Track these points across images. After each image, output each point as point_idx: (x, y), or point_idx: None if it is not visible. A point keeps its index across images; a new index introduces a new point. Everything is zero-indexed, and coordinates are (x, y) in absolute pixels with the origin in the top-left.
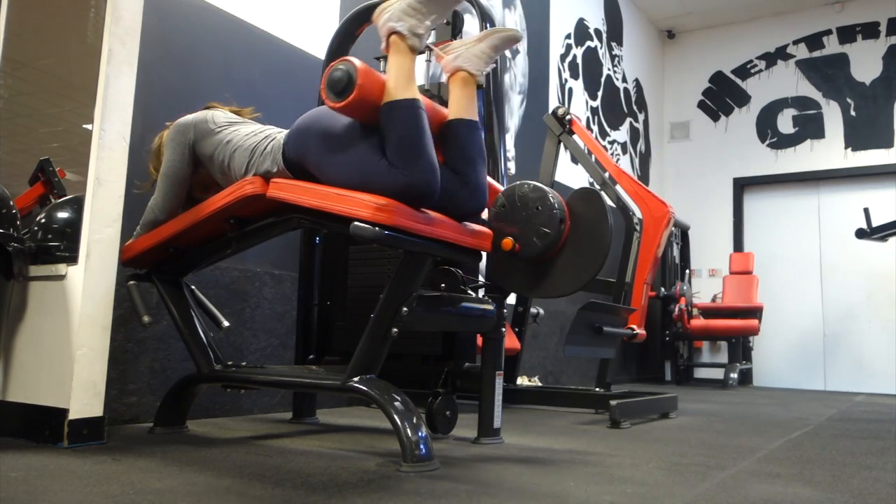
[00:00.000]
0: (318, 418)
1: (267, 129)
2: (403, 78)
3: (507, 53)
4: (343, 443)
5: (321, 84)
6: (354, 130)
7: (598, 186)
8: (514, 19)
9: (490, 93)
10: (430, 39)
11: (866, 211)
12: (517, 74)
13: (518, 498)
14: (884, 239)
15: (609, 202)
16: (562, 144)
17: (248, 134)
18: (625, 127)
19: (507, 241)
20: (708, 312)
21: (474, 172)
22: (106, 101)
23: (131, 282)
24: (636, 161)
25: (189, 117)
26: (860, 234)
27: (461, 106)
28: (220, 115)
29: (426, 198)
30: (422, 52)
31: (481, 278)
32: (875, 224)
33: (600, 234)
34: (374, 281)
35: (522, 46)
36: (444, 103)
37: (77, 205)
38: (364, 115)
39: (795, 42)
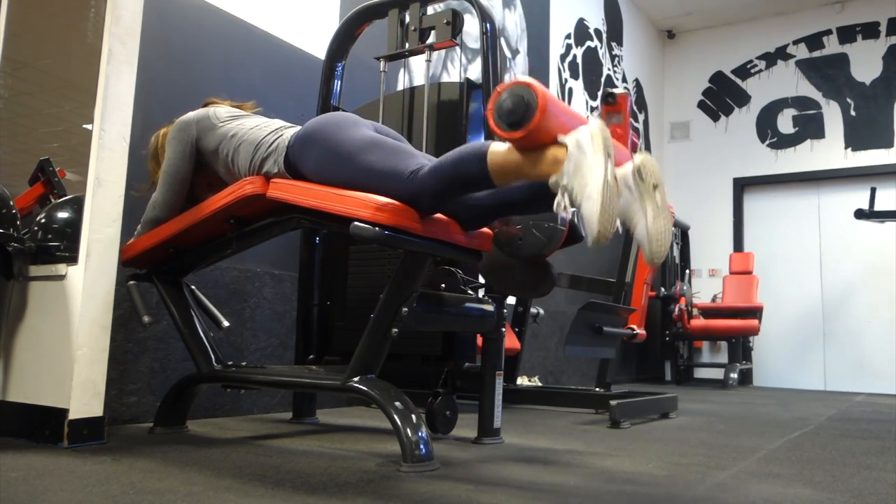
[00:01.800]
0: (318, 418)
1: (274, 122)
2: (515, 173)
3: (507, 53)
4: (343, 443)
5: (488, 107)
6: (365, 141)
7: None
8: (514, 19)
9: (490, 93)
10: (431, 39)
11: (873, 190)
12: (517, 74)
13: (518, 498)
14: (881, 221)
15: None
16: None
17: (253, 127)
18: None
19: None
20: (708, 312)
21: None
22: (106, 101)
23: (131, 282)
24: None
25: (191, 114)
26: (859, 214)
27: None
28: (222, 110)
29: (428, 214)
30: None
31: (481, 278)
32: (877, 209)
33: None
34: (374, 281)
35: (522, 46)
36: (442, 105)
37: (77, 205)
38: (531, 144)
39: (795, 42)
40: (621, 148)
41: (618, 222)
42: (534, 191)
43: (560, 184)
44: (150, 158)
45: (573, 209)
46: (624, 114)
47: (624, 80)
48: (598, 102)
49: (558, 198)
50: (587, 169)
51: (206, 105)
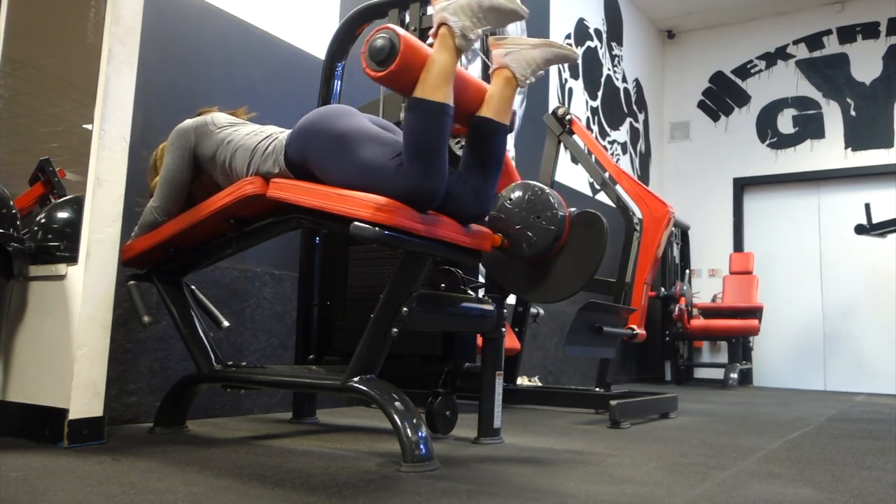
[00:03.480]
0: (318, 418)
1: (267, 128)
2: (441, 76)
3: None
4: (343, 443)
5: (362, 50)
6: (359, 131)
7: (598, 186)
8: None
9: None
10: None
11: (867, 206)
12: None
13: (518, 498)
14: (883, 235)
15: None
16: (562, 144)
17: (248, 133)
18: (625, 127)
19: (497, 238)
20: (708, 312)
21: (484, 179)
22: (106, 101)
23: (131, 282)
24: (636, 161)
25: (189, 122)
26: (860, 229)
27: (497, 106)
28: (220, 116)
29: (429, 204)
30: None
31: (481, 278)
32: (875, 221)
33: (591, 258)
34: (374, 281)
35: None
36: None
37: (77, 205)
38: (402, 87)
39: (795, 42)
40: None
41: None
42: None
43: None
44: (149, 171)
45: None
46: None
47: (624, 79)
48: (598, 103)
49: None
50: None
51: (199, 115)
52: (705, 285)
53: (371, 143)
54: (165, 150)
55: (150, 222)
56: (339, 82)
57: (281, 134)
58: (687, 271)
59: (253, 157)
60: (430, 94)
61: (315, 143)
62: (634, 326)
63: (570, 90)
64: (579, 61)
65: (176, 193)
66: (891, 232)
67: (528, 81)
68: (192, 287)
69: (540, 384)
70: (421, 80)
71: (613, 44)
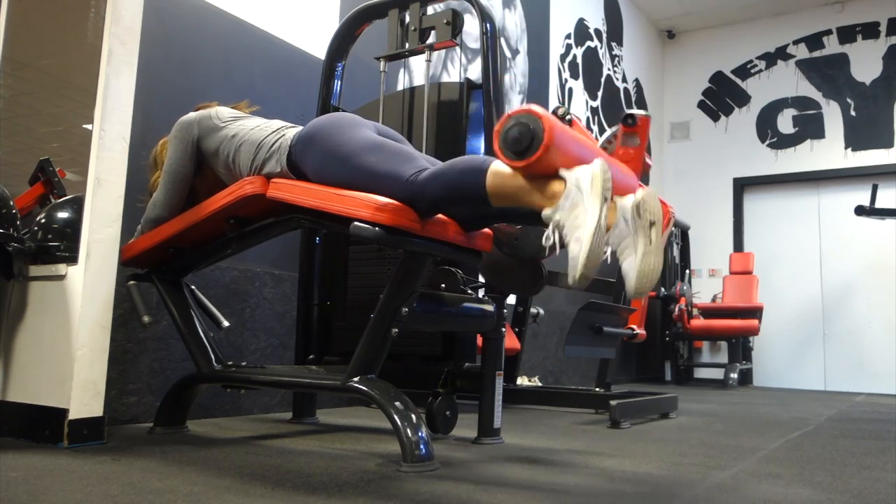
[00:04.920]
0: (318, 418)
1: (273, 123)
2: (513, 195)
3: (507, 53)
4: (343, 443)
5: (495, 130)
6: (366, 143)
7: None
8: (514, 19)
9: (490, 93)
10: (431, 39)
11: (874, 186)
12: (517, 74)
13: (518, 498)
14: (882, 218)
15: None
16: None
17: (253, 128)
18: None
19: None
20: (708, 312)
21: None
22: (106, 101)
23: (131, 282)
24: None
25: (192, 114)
26: (860, 210)
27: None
28: (224, 110)
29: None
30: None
31: (481, 278)
32: (878, 206)
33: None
34: (374, 281)
35: (522, 46)
36: (442, 105)
37: (77, 205)
38: (534, 173)
39: (795, 42)
40: (630, 175)
41: (608, 252)
42: (531, 212)
43: (553, 218)
44: (150, 168)
45: (560, 247)
46: (642, 136)
47: (624, 79)
48: (598, 103)
49: (548, 231)
50: (581, 210)
51: (197, 110)
52: (705, 285)
53: (378, 152)
54: (168, 143)
55: (154, 218)
56: (339, 82)
57: (288, 130)
58: (687, 271)
59: (258, 152)
60: (493, 194)
61: (318, 151)
62: (634, 326)
63: (571, 90)
64: (579, 61)
65: (179, 187)
66: (890, 216)
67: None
68: (192, 287)
69: (540, 384)
70: (507, 182)
71: (613, 44)
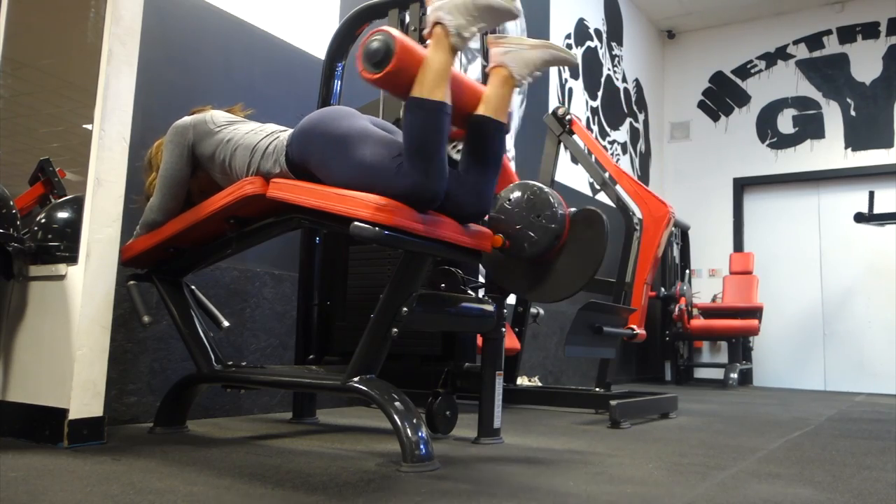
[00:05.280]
0: (318, 418)
1: (267, 126)
2: (438, 75)
3: None
4: (343, 443)
5: (358, 53)
6: (360, 132)
7: (598, 186)
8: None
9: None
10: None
11: (871, 194)
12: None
13: (518, 498)
14: (881, 224)
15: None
16: (562, 144)
17: (248, 132)
18: (625, 127)
19: (498, 238)
20: (708, 312)
21: (483, 177)
22: (106, 101)
23: (131, 282)
24: (636, 161)
25: (187, 119)
26: (859, 217)
27: (495, 104)
28: (219, 114)
29: (429, 203)
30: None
31: (481, 278)
32: (876, 212)
33: (592, 255)
34: (374, 281)
35: None
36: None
37: (77, 205)
38: (399, 89)
39: (795, 42)
40: None
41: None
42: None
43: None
44: (144, 170)
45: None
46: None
47: (624, 79)
48: (598, 103)
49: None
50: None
51: (192, 114)
52: (705, 285)
53: (372, 144)
54: (163, 147)
55: (151, 221)
56: (339, 82)
57: (282, 133)
58: (687, 271)
59: (253, 157)
60: (428, 94)
61: (316, 144)
62: (634, 326)
63: (570, 90)
64: (579, 61)
65: (175, 191)
66: (890, 222)
67: (525, 82)
68: (192, 287)
69: (540, 384)
70: (418, 80)
71: (613, 44)
